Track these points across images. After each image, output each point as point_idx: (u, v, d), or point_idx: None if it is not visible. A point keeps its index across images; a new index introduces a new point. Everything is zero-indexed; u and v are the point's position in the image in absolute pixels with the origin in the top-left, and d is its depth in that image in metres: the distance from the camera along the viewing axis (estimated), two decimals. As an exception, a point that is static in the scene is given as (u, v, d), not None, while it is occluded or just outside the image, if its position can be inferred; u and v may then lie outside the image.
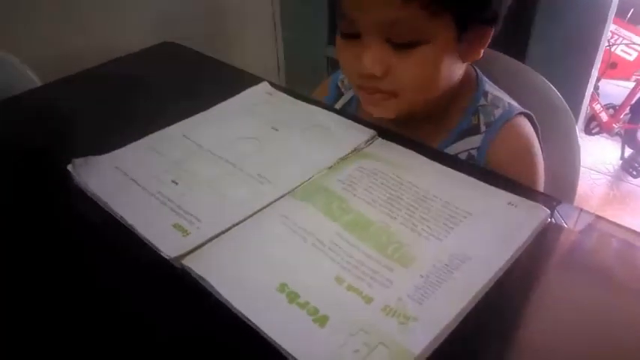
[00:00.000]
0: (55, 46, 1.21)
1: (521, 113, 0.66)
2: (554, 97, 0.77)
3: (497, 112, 0.65)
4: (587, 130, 2.34)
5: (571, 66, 1.44)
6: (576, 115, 1.42)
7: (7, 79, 0.98)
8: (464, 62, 0.62)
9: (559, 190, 0.75)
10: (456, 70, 0.60)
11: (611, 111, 2.34)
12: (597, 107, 2.31)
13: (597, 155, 2.37)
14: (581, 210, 0.54)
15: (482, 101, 0.66)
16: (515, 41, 1.25)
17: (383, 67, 0.58)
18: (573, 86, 1.44)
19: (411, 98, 0.60)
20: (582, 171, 0.80)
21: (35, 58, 1.04)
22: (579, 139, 0.78)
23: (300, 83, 1.52)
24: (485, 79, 0.69)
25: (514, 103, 0.67)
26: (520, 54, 1.38)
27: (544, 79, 0.78)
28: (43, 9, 1.17)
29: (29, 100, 0.78)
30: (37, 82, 0.98)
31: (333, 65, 1.56)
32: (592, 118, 2.34)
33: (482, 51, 0.62)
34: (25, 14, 1.15)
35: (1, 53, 0.98)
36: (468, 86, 0.66)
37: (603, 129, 2.34)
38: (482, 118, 0.65)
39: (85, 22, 1.22)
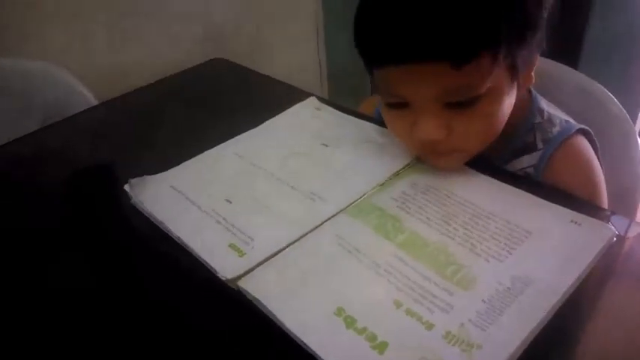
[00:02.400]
0: (106, 61, 1.25)
1: (579, 130, 0.63)
2: (611, 104, 0.74)
3: (555, 130, 0.62)
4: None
5: (627, 67, 1.38)
6: (634, 119, 1.36)
7: (61, 95, 1.01)
8: (520, 92, 0.58)
9: (622, 204, 0.72)
10: (512, 102, 0.57)
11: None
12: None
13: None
14: (650, 227, 0.51)
15: (537, 118, 0.63)
16: (566, 45, 1.21)
17: (444, 131, 0.54)
18: (630, 89, 1.38)
19: (475, 149, 0.57)
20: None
21: (87, 73, 1.08)
22: (640, 145, 0.74)
23: (344, 94, 1.52)
24: (538, 95, 0.66)
25: (571, 120, 0.64)
26: (571, 57, 1.34)
27: (598, 85, 0.75)
28: (96, 24, 1.21)
29: (86, 119, 0.81)
30: (91, 97, 1.02)
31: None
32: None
33: (533, 74, 0.59)
34: (78, 29, 1.19)
35: (55, 68, 1.02)
36: (521, 104, 0.63)
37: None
38: (538, 135, 0.62)
39: (135, 37, 1.26)
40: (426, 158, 0.59)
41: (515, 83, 0.56)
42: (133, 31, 1.24)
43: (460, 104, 0.52)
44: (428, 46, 0.48)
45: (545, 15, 0.54)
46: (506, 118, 0.56)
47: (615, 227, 0.49)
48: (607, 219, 0.52)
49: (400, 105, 0.55)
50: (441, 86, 0.51)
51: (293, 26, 1.52)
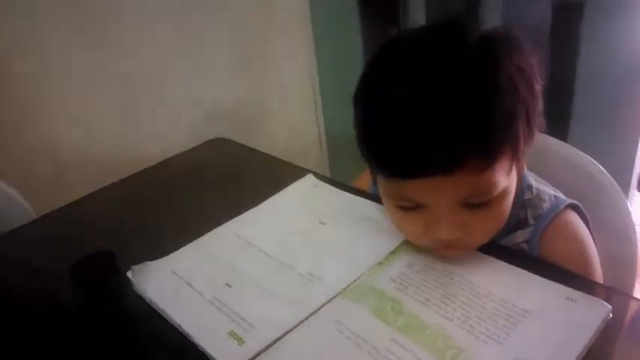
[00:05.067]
0: (105, 143, 1.28)
1: (569, 205, 0.64)
2: (601, 175, 0.75)
3: (545, 206, 0.64)
4: (640, 187, 2.25)
5: (617, 127, 1.42)
6: (628, 177, 1.39)
7: None
8: (517, 175, 0.58)
9: (618, 271, 0.72)
10: (514, 188, 0.58)
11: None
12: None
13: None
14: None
15: (527, 194, 0.65)
16: (553, 117, 1.25)
17: (463, 231, 0.53)
18: (621, 146, 1.41)
19: (486, 241, 0.57)
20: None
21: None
22: (631, 206, 0.75)
23: (344, 162, 1.55)
24: (527, 171, 0.68)
25: (560, 195, 0.66)
26: (559, 128, 1.37)
27: (587, 156, 0.76)
28: (97, 105, 1.25)
29: (87, 205, 0.83)
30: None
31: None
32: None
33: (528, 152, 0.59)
34: (75, 108, 1.22)
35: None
36: None
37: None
38: (529, 211, 0.64)
39: (136, 120, 1.29)
40: (437, 252, 0.58)
41: (518, 168, 0.57)
42: (134, 113, 1.28)
43: (477, 204, 0.52)
44: (453, 159, 0.47)
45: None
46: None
47: (611, 303, 0.50)
48: (602, 294, 0.52)
49: (413, 207, 0.54)
50: (464, 191, 0.50)
51: (291, 97, 1.57)
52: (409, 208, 0.54)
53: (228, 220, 0.70)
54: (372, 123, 0.51)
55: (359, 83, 0.54)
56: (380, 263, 0.59)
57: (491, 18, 1.36)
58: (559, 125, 1.35)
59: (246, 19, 1.43)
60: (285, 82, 1.56)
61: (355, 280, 0.57)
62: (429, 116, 0.47)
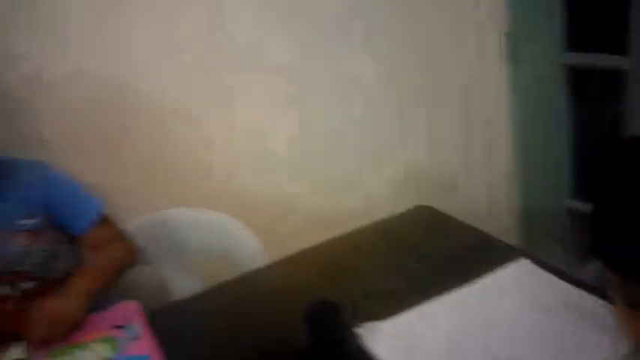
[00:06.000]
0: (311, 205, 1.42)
1: None
2: None
3: None
4: None
5: None
6: None
7: (228, 241, 1.11)
8: None
9: None
10: None
11: None
12: None
13: None
14: None
15: None
16: None
17: None
18: None
19: None
20: None
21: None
22: None
23: (540, 234, 1.49)
24: None
25: None
26: None
27: None
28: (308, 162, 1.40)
29: (311, 255, 0.93)
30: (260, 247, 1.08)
31: (576, 221, 1.48)
32: None
33: None
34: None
35: (220, 217, 1.10)
36: None
37: None
38: None
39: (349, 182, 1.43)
40: None
41: None
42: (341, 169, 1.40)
43: None
44: None
45: None
46: None
47: None
48: None
49: None
50: None
51: (489, 169, 1.56)
52: None
53: (439, 291, 0.73)
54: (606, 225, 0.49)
55: None
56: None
57: None
58: None
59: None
60: (482, 155, 1.56)
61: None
62: None
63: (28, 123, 1.09)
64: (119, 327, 0.76)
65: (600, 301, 0.65)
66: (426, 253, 0.87)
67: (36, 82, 1.07)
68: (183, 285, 1.12)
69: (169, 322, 0.81)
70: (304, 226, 1.33)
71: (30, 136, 1.09)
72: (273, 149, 1.32)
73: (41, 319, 0.74)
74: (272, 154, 1.32)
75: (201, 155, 1.25)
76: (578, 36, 1.37)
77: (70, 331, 0.75)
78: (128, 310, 0.79)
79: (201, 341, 0.77)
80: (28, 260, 0.85)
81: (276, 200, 1.33)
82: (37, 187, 0.87)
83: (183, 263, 1.14)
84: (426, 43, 1.40)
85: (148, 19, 1.12)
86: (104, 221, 0.92)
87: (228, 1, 1.19)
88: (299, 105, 1.31)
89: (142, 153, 1.20)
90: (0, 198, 0.84)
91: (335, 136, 1.37)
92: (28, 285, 0.86)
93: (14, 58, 1.05)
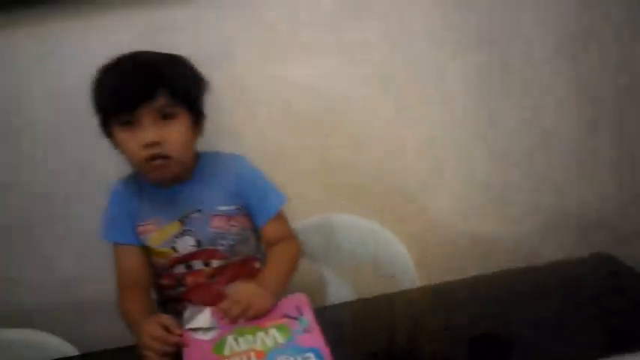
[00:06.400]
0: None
1: None
2: None
3: None
4: None
5: None
6: None
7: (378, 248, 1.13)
8: None
9: None
10: None
11: None
12: None
13: None
14: None
15: None
16: None
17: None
18: None
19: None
20: None
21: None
22: None
23: None
24: None
25: None
26: None
27: None
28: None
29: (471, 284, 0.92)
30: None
31: None
32: None
33: None
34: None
35: (371, 224, 1.18)
36: None
37: None
38: None
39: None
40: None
41: None
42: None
43: None
44: None
45: None
46: None
47: None
48: None
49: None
50: None
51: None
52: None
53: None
54: None
55: None
56: None
57: None
58: None
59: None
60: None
61: None
62: None
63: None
64: (291, 317, 0.82)
65: None
66: (607, 307, 0.81)
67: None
68: (337, 289, 1.18)
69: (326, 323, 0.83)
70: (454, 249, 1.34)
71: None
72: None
73: (238, 299, 0.84)
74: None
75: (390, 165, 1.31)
76: None
77: (258, 317, 0.83)
78: (300, 302, 0.85)
79: (357, 350, 0.80)
80: (221, 241, 0.96)
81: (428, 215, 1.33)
82: (235, 177, 0.98)
83: (337, 267, 1.20)
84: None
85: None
86: (280, 216, 1.01)
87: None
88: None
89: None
90: (204, 185, 0.97)
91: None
92: (218, 263, 0.98)
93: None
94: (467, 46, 1.25)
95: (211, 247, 0.96)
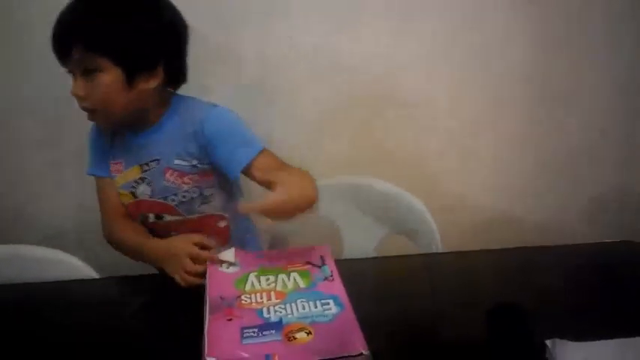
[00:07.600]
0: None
1: None
2: None
3: None
4: None
5: None
6: None
7: (409, 219, 1.12)
8: None
9: None
10: None
11: None
12: None
13: None
14: None
15: None
16: None
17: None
18: None
19: None
20: None
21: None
22: None
23: None
24: None
25: None
26: None
27: None
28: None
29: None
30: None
31: None
32: None
33: None
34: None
35: (407, 194, 1.12)
36: None
37: None
38: None
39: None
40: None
41: None
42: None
43: None
44: None
45: None
46: None
47: None
48: None
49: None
50: None
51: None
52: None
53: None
54: None
55: None
56: None
57: None
58: None
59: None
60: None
61: None
62: None
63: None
64: (314, 265, 0.82)
65: None
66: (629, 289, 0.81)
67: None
68: (356, 246, 1.17)
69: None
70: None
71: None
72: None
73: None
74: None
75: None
76: None
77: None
78: (322, 252, 0.86)
79: (376, 304, 0.80)
80: (172, 196, 0.96)
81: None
82: (200, 128, 0.91)
83: (360, 229, 1.20)
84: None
85: None
86: (264, 152, 0.91)
87: None
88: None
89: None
90: (168, 135, 0.94)
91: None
92: (171, 218, 0.98)
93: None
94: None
95: (163, 201, 0.96)
